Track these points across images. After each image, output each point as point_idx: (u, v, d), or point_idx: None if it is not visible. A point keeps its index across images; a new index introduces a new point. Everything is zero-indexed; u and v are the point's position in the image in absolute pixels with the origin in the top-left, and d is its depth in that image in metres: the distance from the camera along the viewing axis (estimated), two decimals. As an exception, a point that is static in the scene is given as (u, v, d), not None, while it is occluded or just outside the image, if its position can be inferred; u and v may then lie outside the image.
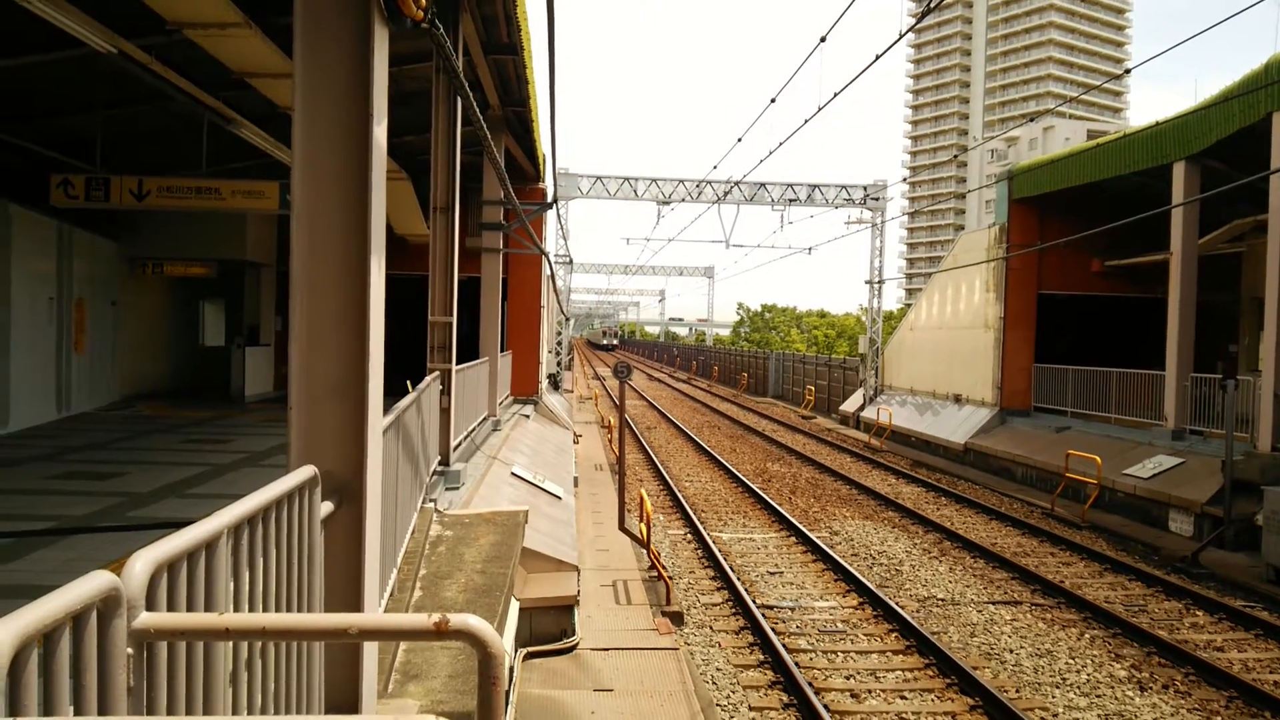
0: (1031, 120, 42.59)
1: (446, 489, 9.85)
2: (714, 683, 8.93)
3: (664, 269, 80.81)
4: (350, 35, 3.88)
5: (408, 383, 11.63)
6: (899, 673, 9.33)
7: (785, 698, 8.65)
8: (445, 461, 10.27)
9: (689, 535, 15.35)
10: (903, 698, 8.71)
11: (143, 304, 22.37)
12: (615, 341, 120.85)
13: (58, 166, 15.39)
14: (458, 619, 2.21)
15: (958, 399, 27.07)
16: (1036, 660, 9.76)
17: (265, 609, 2.93)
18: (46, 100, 14.73)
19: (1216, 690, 8.98)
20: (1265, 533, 13.05)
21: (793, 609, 11.43)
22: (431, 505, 8.67)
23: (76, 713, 1.83)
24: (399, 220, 20.24)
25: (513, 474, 12.45)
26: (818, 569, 13.40)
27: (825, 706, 8.24)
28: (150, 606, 2.09)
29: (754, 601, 11.30)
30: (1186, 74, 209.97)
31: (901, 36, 11.43)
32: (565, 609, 8.92)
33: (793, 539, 15.24)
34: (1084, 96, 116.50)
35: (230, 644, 2.55)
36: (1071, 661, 9.72)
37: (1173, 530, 15.90)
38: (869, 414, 31.87)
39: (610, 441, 24.75)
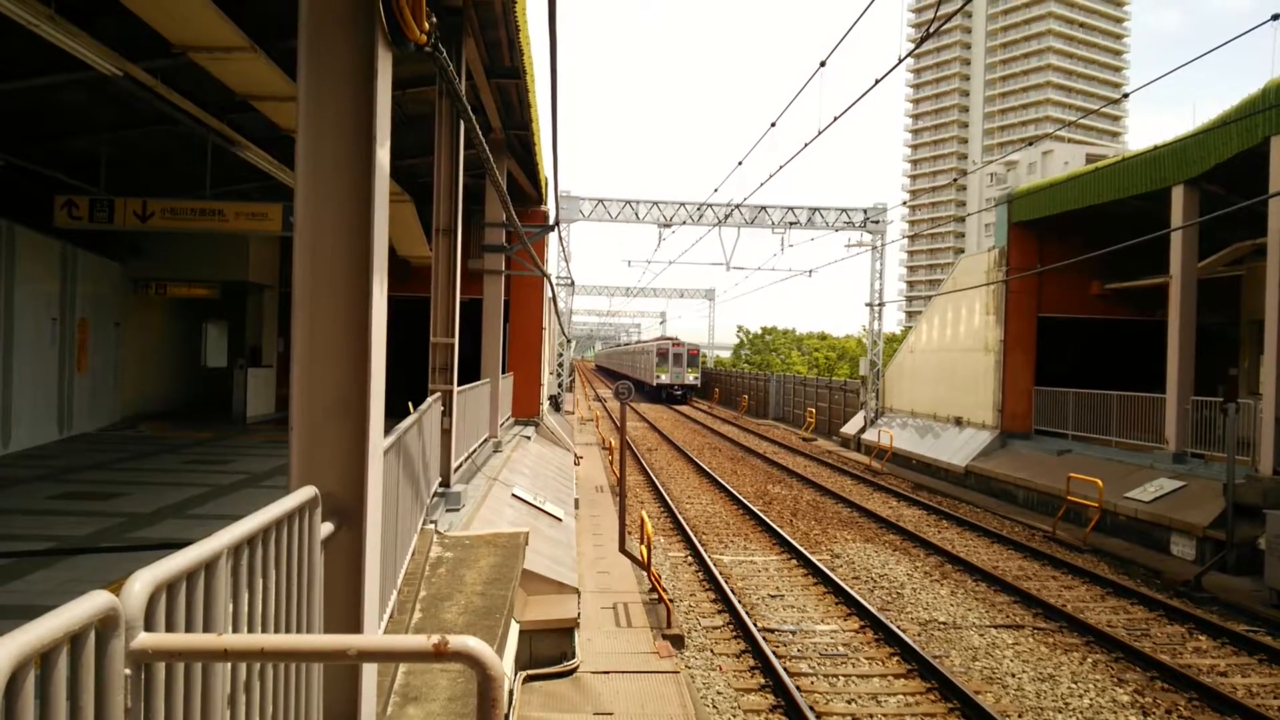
0: (1030, 144, 42.85)
1: (447, 510, 9.83)
2: (715, 706, 8.88)
3: (665, 291, 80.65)
4: (353, 59, 3.92)
5: (409, 404, 11.63)
6: (900, 697, 9.27)
7: (786, 722, 8.59)
8: (446, 483, 10.26)
9: (690, 557, 15.29)
10: (904, 722, 8.65)
11: (145, 325, 22.43)
12: (692, 380, 59.68)
13: (62, 188, 15.49)
14: (457, 641, 2.21)
15: (958, 421, 27.03)
16: (1039, 685, 9.70)
17: (264, 630, 2.93)
18: (52, 122, 14.84)
19: (1221, 716, 8.91)
20: (1268, 557, 12.99)
21: (794, 632, 11.37)
22: (432, 526, 8.66)
23: (74, 733, 1.83)
24: (401, 242, 20.32)
25: (513, 495, 12.42)
26: (819, 592, 13.34)
27: (826, 731, 8.17)
28: (149, 627, 2.09)
29: (755, 625, 11.25)
30: (1184, 98, 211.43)
31: (900, 61, 11.51)
32: (565, 631, 8.87)
33: (794, 562, 15.18)
34: (1082, 120, 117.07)
35: (229, 665, 2.54)
36: (1074, 686, 9.66)
37: (1175, 554, 15.83)
38: (870, 436, 31.82)
39: (611, 463, 24.70)
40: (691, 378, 59.46)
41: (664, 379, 59.03)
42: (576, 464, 22.26)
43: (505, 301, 18.79)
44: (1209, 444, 17.49)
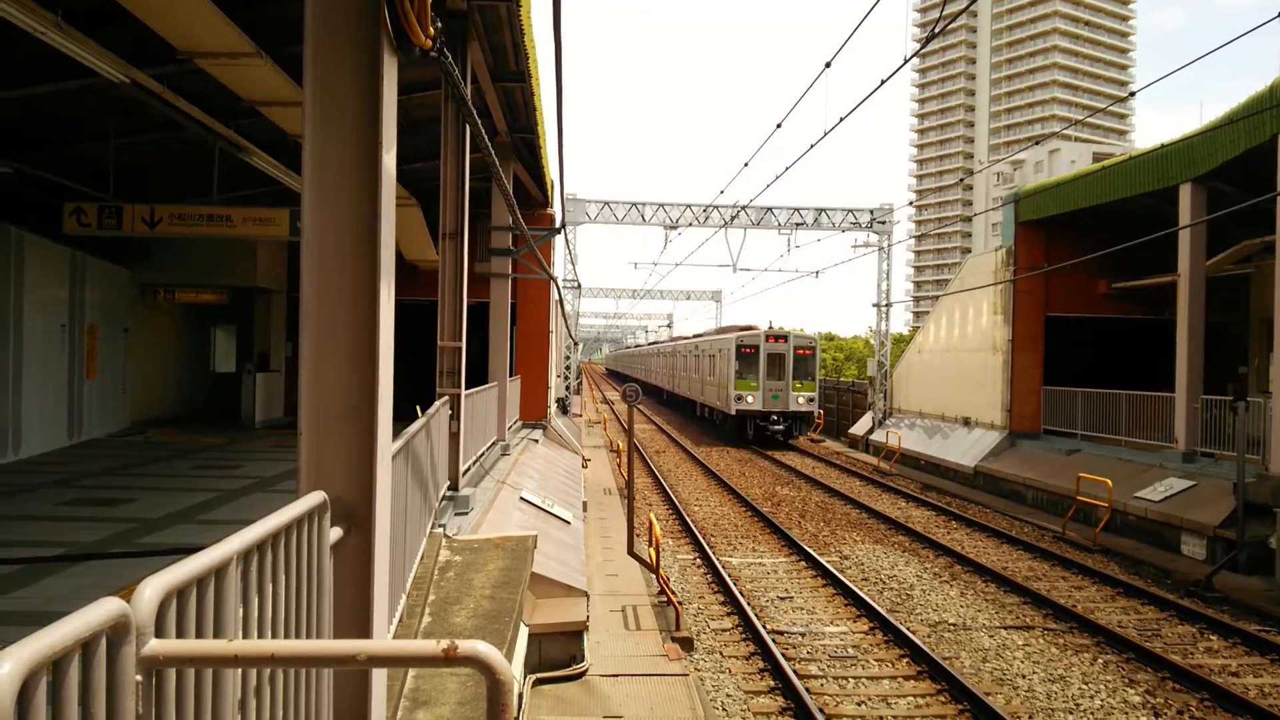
0: (1037, 143, 42.79)
1: (455, 514, 9.84)
2: (724, 709, 8.86)
3: (671, 293, 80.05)
4: (360, 64, 3.93)
5: (417, 408, 11.65)
6: (911, 699, 9.24)
7: (796, 724, 8.58)
8: (454, 486, 10.27)
9: (698, 560, 15.27)
10: (915, 724, 8.63)
11: (154, 330, 22.51)
12: (805, 403, 33.62)
13: (71, 194, 15.55)
14: (466, 645, 2.20)
15: (967, 422, 26.96)
16: (1049, 686, 9.66)
17: (274, 635, 2.93)
18: (60, 129, 14.90)
19: (1233, 716, 8.87)
20: (1279, 556, 12.93)
21: (803, 634, 11.35)
22: (440, 530, 8.66)
23: (85, 741, 1.83)
24: (408, 246, 20.35)
25: (521, 499, 12.43)
26: (828, 594, 13.31)
27: (836, 733, 8.14)
28: (160, 633, 2.09)
29: (764, 627, 11.23)
30: (1191, 97, 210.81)
31: (906, 62, 11.49)
32: (574, 634, 8.87)
33: (803, 563, 15.15)
34: (1089, 119, 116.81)
35: (239, 671, 2.54)
36: (1085, 687, 9.62)
37: (1185, 554, 15.77)
38: (878, 437, 31.76)
39: (619, 465, 24.69)
40: (804, 399, 33.42)
41: (750, 401, 33.11)
42: (584, 466, 22.26)
43: (512, 305, 18.81)
44: (1218, 443, 17.42)
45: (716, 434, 37.42)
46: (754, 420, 33.41)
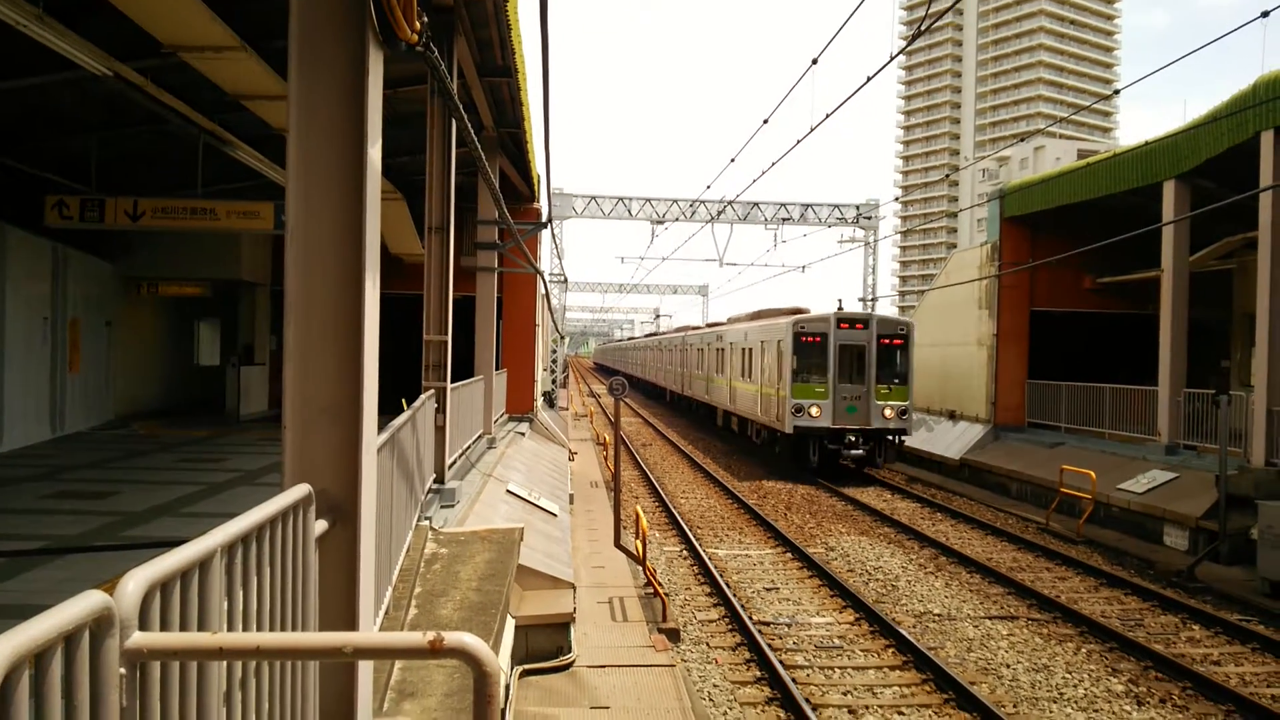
0: (1022, 140, 42.88)
1: (442, 507, 9.83)
2: (710, 699, 8.90)
3: (658, 287, 79.78)
4: (345, 58, 3.91)
5: (403, 401, 11.63)
6: (896, 688, 9.30)
7: (782, 714, 8.62)
8: (440, 479, 10.26)
9: (685, 551, 15.31)
10: (900, 713, 8.68)
11: (137, 324, 22.37)
12: (894, 416, 23.69)
13: (53, 187, 15.43)
14: (453, 637, 2.21)
15: (952, 415, 27.09)
16: (1033, 675, 9.74)
17: (259, 628, 2.93)
18: (42, 122, 14.77)
19: (1214, 704, 8.96)
20: (1260, 547, 13.06)
21: (789, 625, 11.39)
22: (427, 523, 8.66)
23: (69, 732, 1.83)
24: (394, 240, 20.28)
25: (508, 491, 12.43)
26: (814, 585, 13.37)
27: (822, 724, 8.18)
28: (143, 626, 2.09)
29: (750, 618, 11.27)
30: (1175, 95, 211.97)
31: (892, 59, 11.53)
32: (561, 626, 8.89)
33: (789, 555, 15.21)
34: (1074, 116, 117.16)
35: (224, 663, 2.54)
36: (1069, 676, 9.70)
37: (1168, 545, 15.90)
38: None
39: (605, 458, 24.70)
40: (893, 411, 23.99)
41: (815, 415, 23.78)
42: (571, 459, 22.26)
43: (498, 298, 18.78)
44: (1201, 436, 17.57)
45: (760, 457, 28.13)
46: (820, 441, 23.89)
